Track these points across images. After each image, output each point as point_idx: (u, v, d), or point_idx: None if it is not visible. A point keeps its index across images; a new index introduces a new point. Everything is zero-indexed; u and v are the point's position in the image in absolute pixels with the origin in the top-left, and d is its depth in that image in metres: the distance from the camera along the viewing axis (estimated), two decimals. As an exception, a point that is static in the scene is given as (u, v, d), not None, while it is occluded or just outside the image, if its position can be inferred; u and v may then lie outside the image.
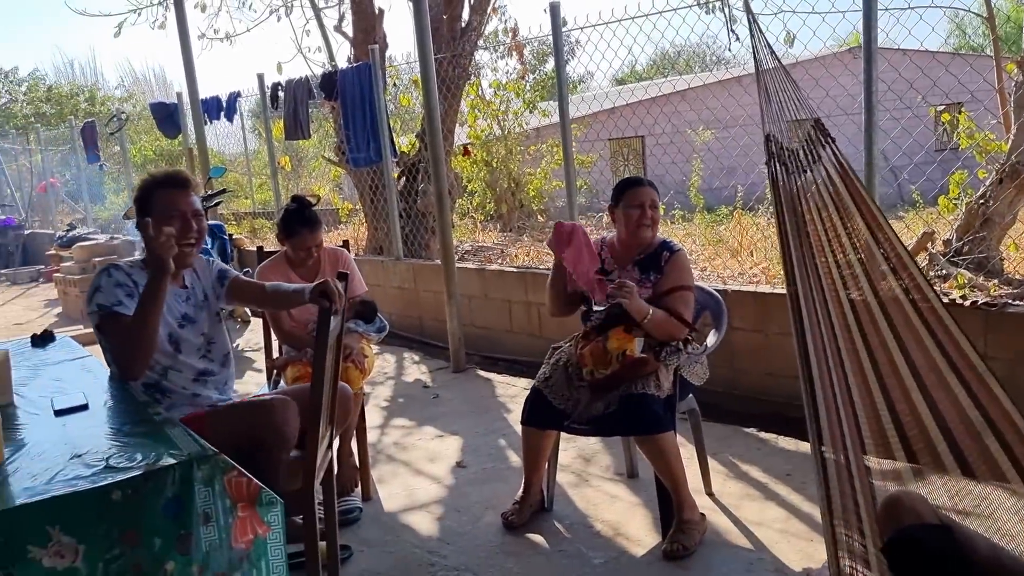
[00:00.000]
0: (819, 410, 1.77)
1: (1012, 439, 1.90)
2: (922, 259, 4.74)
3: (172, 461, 1.79)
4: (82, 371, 2.74)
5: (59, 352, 3.05)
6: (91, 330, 2.63)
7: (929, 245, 4.85)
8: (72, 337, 3.30)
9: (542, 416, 3.05)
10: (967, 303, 3.47)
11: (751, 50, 2.11)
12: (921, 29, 3.98)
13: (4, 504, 1.66)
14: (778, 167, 2.05)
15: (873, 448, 1.94)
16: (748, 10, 2.27)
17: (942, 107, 5.42)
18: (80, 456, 1.87)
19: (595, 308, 3.13)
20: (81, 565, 1.66)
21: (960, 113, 4.82)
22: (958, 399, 1.95)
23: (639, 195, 3.11)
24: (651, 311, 2.94)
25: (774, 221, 2.03)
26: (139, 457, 1.83)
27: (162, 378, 2.64)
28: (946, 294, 3.75)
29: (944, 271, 4.51)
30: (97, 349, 2.67)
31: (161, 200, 2.62)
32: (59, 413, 2.24)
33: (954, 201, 5.14)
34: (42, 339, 3.21)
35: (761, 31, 2.14)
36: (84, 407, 2.27)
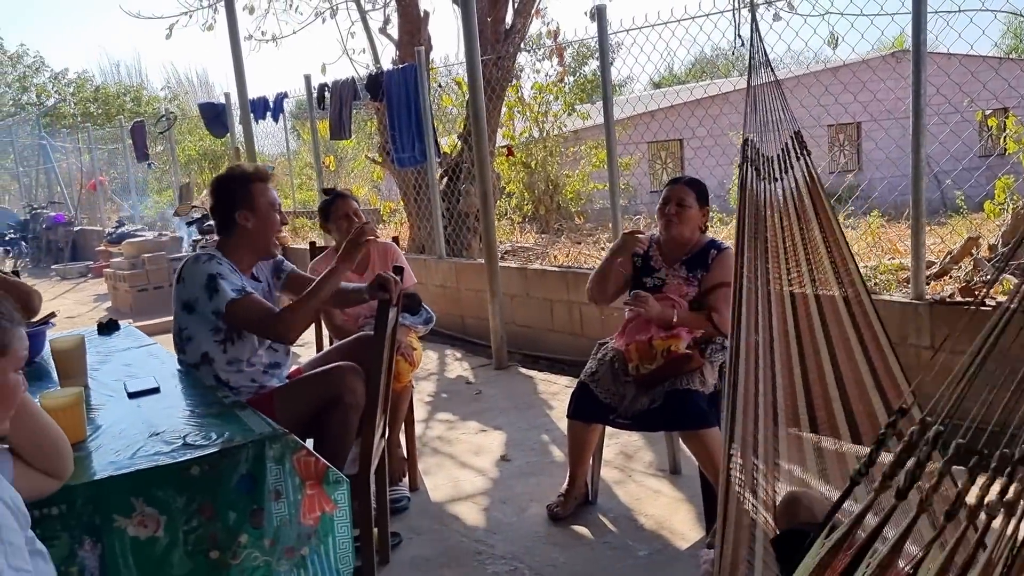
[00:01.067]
0: (738, 389, 1.86)
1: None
2: (967, 264, 4.72)
3: (246, 440, 1.88)
4: (149, 357, 2.87)
5: (125, 340, 3.18)
6: (153, 322, 2.74)
7: (974, 250, 4.83)
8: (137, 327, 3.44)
9: (588, 410, 3.11)
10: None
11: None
12: (971, 32, 3.97)
13: (91, 476, 1.77)
14: (750, 171, 2.11)
15: (784, 419, 2.05)
16: (752, 18, 2.30)
17: (990, 112, 5.38)
18: (158, 434, 1.98)
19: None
20: (162, 535, 1.76)
21: (1008, 118, 4.80)
22: (863, 381, 2.06)
23: (667, 193, 3.18)
24: (675, 317, 3.00)
25: (736, 222, 2.08)
26: (214, 436, 1.93)
27: (236, 371, 2.68)
28: (992, 299, 3.74)
29: (989, 276, 4.49)
30: (162, 338, 2.79)
31: (262, 192, 2.70)
32: (132, 395, 2.36)
33: (1000, 206, 5.12)
34: (107, 327, 3.35)
35: (761, 39, 2.19)
36: (156, 390, 2.39)
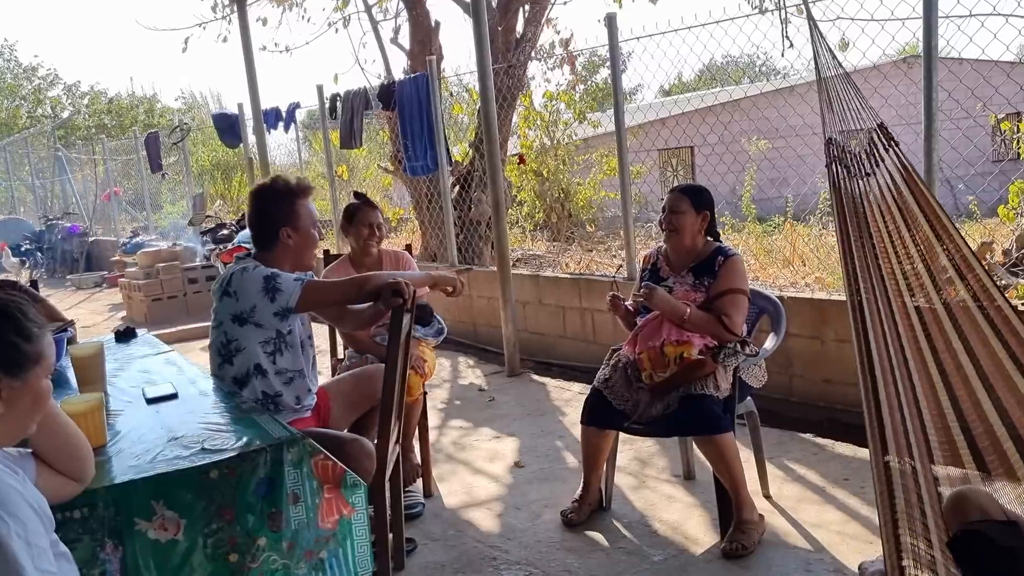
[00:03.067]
0: (883, 418, 1.76)
1: None
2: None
3: (264, 444, 1.90)
4: (167, 364, 2.89)
5: (143, 347, 3.21)
6: (169, 331, 2.76)
7: (988, 255, 4.81)
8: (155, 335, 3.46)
9: (602, 416, 3.12)
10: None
11: (810, 57, 2.14)
12: (982, 36, 3.97)
13: (111, 480, 1.79)
14: (840, 170, 2.07)
15: (941, 457, 1.93)
16: (809, 16, 2.30)
17: (1003, 116, 5.37)
18: (177, 439, 2.00)
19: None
20: (182, 538, 1.78)
21: (1021, 122, 4.78)
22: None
23: (664, 203, 3.21)
24: (689, 311, 3.00)
25: (835, 225, 2.01)
26: (232, 440, 1.96)
27: (286, 382, 2.67)
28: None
29: (1003, 281, 4.48)
30: (179, 346, 2.81)
31: (305, 210, 2.69)
32: (151, 401, 2.38)
33: (1014, 211, 5.10)
34: (125, 335, 3.38)
35: (822, 35, 2.18)
36: (174, 396, 2.41)
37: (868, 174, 2.08)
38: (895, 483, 1.71)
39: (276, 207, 2.66)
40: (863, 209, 2.05)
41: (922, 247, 2.09)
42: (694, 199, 3.16)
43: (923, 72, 3.55)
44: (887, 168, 2.10)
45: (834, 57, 2.17)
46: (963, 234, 2.08)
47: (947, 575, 1.69)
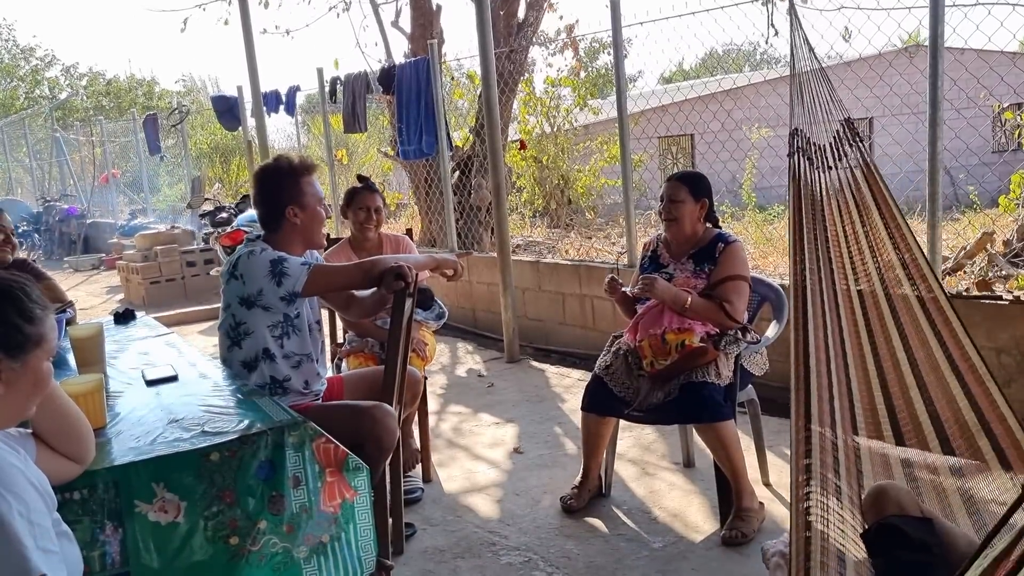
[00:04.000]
0: (811, 392, 1.80)
1: (996, 428, 2.01)
2: (981, 259, 4.70)
3: (265, 427, 1.89)
4: (167, 346, 2.88)
5: (142, 329, 3.20)
6: (167, 313, 2.74)
7: (989, 246, 4.80)
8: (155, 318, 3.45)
9: (602, 403, 3.11)
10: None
11: (791, 48, 2.13)
12: (988, 24, 3.94)
13: (112, 462, 1.78)
14: (802, 161, 2.08)
15: (864, 429, 2.03)
16: (791, 9, 2.28)
17: (1007, 106, 5.34)
18: (177, 421, 1.99)
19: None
20: (183, 520, 1.77)
21: (1023, 112, 4.77)
22: (950, 389, 2.04)
23: (662, 191, 3.20)
24: (690, 299, 2.99)
25: (788, 214, 2.04)
26: (233, 423, 1.94)
27: (295, 365, 2.65)
28: (1011, 293, 3.72)
29: (1004, 271, 4.47)
30: (181, 328, 2.80)
31: (310, 187, 2.65)
32: (150, 383, 2.37)
33: (1015, 201, 5.08)
34: (124, 317, 3.36)
35: (802, 28, 2.17)
36: (174, 378, 2.40)
37: (830, 167, 2.11)
38: (813, 449, 1.75)
39: (280, 186, 2.62)
40: (820, 201, 2.09)
41: (873, 242, 2.16)
42: (692, 187, 3.14)
43: (929, 59, 3.53)
44: (849, 163, 2.13)
45: (811, 50, 2.17)
46: (914, 234, 2.15)
47: (854, 548, 1.72)
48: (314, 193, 2.66)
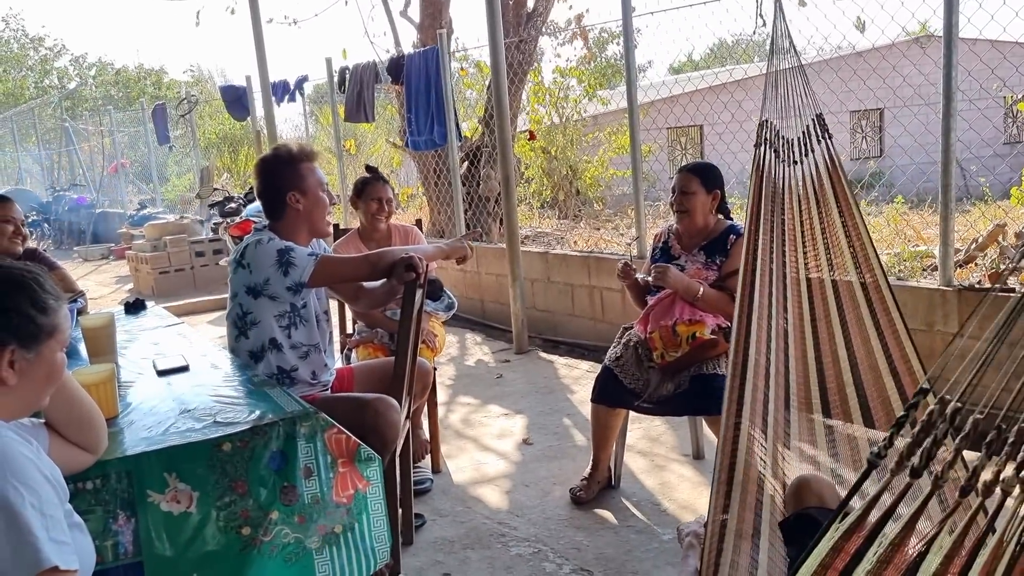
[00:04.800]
0: (745, 384, 1.87)
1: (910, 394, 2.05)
2: (993, 251, 4.67)
3: (277, 417, 1.89)
4: (177, 336, 2.88)
5: (152, 319, 3.20)
6: (177, 303, 2.74)
7: (1001, 238, 4.77)
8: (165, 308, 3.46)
9: (612, 395, 3.11)
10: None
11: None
12: (1003, 14, 3.89)
13: (124, 452, 1.78)
14: (768, 153, 2.09)
15: (796, 403, 2.10)
16: (778, 5, 2.26)
17: (1020, 97, 5.30)
18: (189, 411, 1.99)
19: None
20: (195, 510, 1.78)
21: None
22: (878, 366, 2.10)
23: (674, 182, 3.18)
24: (702, 289, 2.98)
25: (747, 204, 2.06)
26: (245, 413, 1.95)
27: (302, 356, 2.64)
28: (1022, 285, 3.70)
29: (1015, 264, 4.44)
30: (191, 318, 2.80)
31: (311, 172, 2.64)
32: (162, 373, 2.37)
33: (1028, 193, 5.05)
34: (134, 307, 3.37)
35: (785, 20, 2.16)
36: (185, 368, 2.40)
37: (796, 162, 2.12)
38: (740, 443, 1.82)
39: (280, 174, 2.62)
40: (782, 193, 2.10)
41: (828, 235, 2.18)
42: (704, 178, 3.12)
43: (943, 49, 3.50)
44: (815, 158, 2.13)
45: (792, 44, 2.17)
46: (870, 231, 2.16)
47: (769, 535, 1.75)
48: (315, 178, 2.64)
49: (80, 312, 2.99)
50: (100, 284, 9.99)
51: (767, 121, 2.08)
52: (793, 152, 2.10)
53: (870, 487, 1.15)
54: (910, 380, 2.07)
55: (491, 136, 6.88)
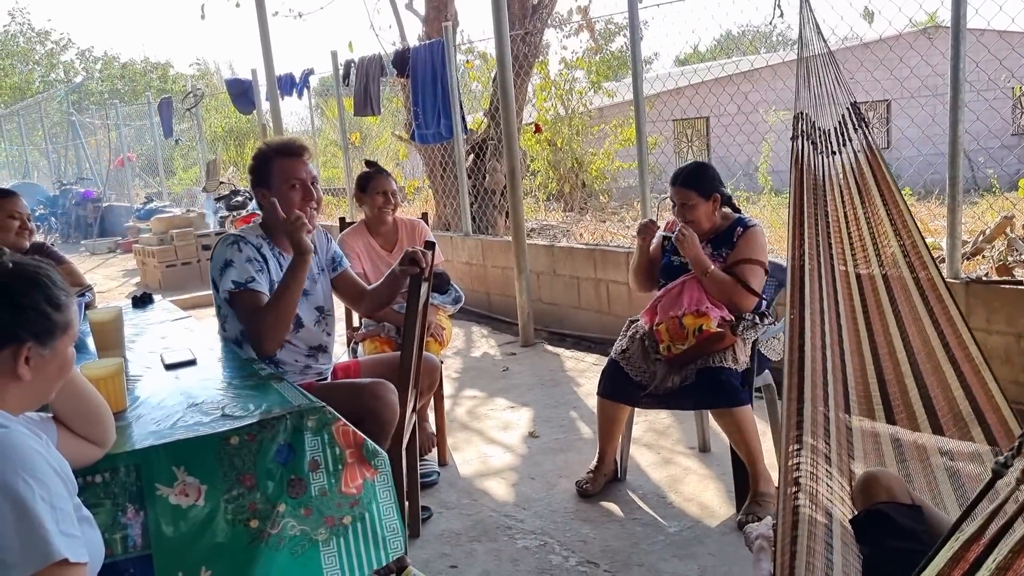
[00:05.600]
0: (804, 373, 1.80)
1: (990, 418, 2.04)
2: (1000, 243, 4.65)
3: (283, 411, 1.90)
4: (185, 330, 2.89)
5: (160, 313, 3.21)
6: (183, 296, 2.76)
7: (1008, 230, 4.75)
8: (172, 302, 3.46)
9: (618, 388, 3.11)
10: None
11: (800, 30, 2.10)
12: (1011, 5, 3.87)
13: (132, 446, 1.79)
14: (806, 145, 2.07)
15: (856, 408, 2.07)
16: None
17: (1029, 88, 5.26)
18: (197, 405, 2.00)
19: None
20: (203, 503, 1.78)
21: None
22: (944, 376, 2.07)
23: (671, 195, 3.17)
24: (712, 267, 2.99)
25: (790, 198, 2.02)
26: (252, 407, 1.95)
27: (279, 350, 2.64)
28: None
29: (1023, 256, 4.42)
30: (198, 312, 2.81)
31: (280, 169, 2.60)
32: (169, 367, 2.38)
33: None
34: (142, 301, 3.38)
35: (811, 9, 2.14)
36: (193, 362, 2.41)
37: (834, 152, 2.10)
38: (804, 432, 1.73)
39: (254, 170, 2.66)
40: (823, 185, 2.08)
41: (874, 227, 2.16)
42: (699, 187, 3.10)
43: (951, 41, 3.48)
44: (853, 148, 2.12)
45: (819, 33, 2.15)
46: (917, 221, 2.14)
47: (841, 533, 1.71)
48: (282, 173, 2.58)
49: (88, 306, 3.01)
50: (107, 278, 10.02)
51: (803, 113, 2.04)
52: (831, 142, 2.08)
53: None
54: (977, 383, 2.03)
55: (497, 129, 6.87)
